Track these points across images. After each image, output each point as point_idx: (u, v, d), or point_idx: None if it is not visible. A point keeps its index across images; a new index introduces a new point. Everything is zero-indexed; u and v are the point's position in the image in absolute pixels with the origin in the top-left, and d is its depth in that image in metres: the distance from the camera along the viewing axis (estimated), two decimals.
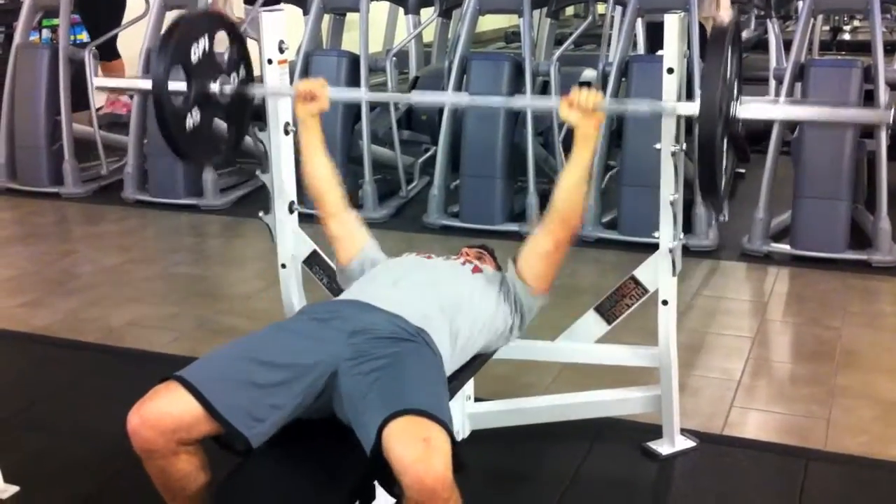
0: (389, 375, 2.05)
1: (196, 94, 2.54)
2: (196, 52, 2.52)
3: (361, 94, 2.39)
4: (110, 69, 7.55)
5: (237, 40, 2.72)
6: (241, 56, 2.70)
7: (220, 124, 2.75)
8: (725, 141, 2.29)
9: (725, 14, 5.24)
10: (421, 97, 2.68)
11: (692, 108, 2.34)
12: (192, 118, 2.55)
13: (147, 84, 2.54)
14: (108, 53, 7.26)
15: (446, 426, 1.91)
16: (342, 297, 2.45)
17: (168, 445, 1.97)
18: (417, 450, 1.83)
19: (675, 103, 2.52)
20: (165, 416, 1.97)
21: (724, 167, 2.28)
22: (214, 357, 2.15)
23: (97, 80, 2.54)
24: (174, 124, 2.52)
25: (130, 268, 4.75)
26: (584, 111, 2.43)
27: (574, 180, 2.50)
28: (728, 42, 2.24)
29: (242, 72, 2.71)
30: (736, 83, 2.37)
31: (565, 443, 2.94)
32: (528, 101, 2.44)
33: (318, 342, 2.16)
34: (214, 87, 2.59)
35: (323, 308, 2.36)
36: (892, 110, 2.19)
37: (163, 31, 2.53)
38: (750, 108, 2.33)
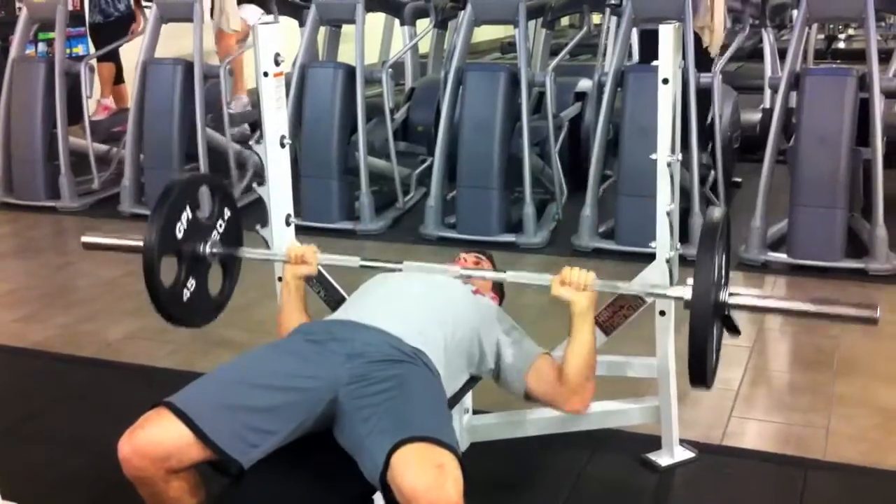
0: (394, 400, 2.04)
1: (188, 264, 2.57)
2: (182, 225, 2.53)
3: (356, 262, 2.29)
4: (114, 92, 7.71)
5: (220, 192, 2.74)
6: (223, 210, 2.72)
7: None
8: (716, 324, 2.32)
9: (720, 26, 5.25)
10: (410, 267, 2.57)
11: (684, 292, 2.36)
12: (188, 289, 2.57)
13: (138, 243, 2.56)
14: (116, 77, 7.45)
15: (456, 452, 1.91)
16: (337, 314, 2.43)
17: (159, 473, 1.96)
18: (430, 476, 1.83)
19: (666, 289, 2.52)
20: (157, 445, 1.95)
21: (714, 347, 2.31)
22: (207, 381, 2.13)
23: (85, 238, 2.55)
24: (169, 302, 2.53)
25: (127, 281, 4.73)
26: (576, 288, 2.42)
27: (581, 359, 2.42)
28: (719, 238, 2.29)
29: (227, 223, 2.72)
30: (724, 270, 2.39)
31: (564, 454, 2.93)
32: (518, 276, 2.44)
33: (315, 366, 2.14)
34: (204, 249, 2.62)
35: (318, 328, 2.34)
36: (878, 310, 2.22)
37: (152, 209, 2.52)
38: (739, 298, 2.35)
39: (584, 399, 2.46)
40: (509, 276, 2.66)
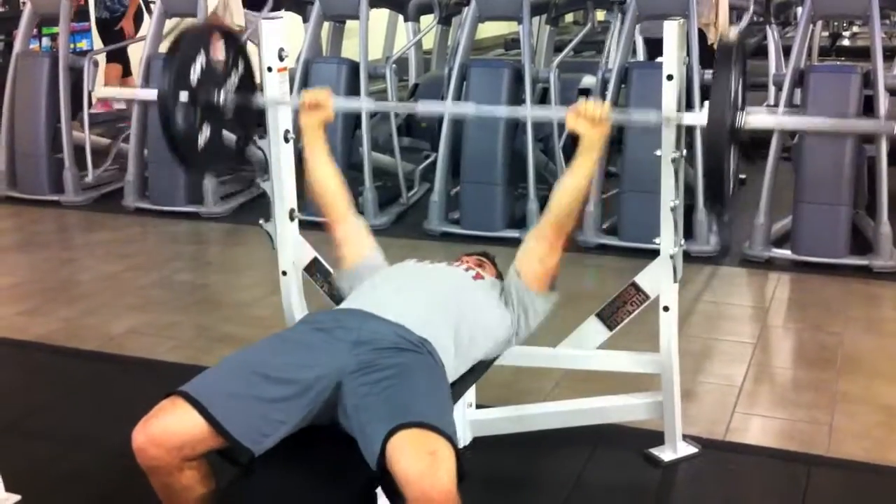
0: (395, 387, 2.04)
1: (202, 110, 2.55)
2: (196, 69, 2.51)
3: (364, 104, 2.32)
4: (123, 85, 7.76)
5: (234, 45, 2.72)
6: (237, 61, 2.69)
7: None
8: (732, 149, 2.30)
9: (724, 22, 5.25)
10: (426, 107, 2.62)
11: (700, 118, 2.34)
12: (202, 134, 2.56)
13: (151, 94, 2.55)
14: (124, 71, 7.52)
15: (451, 439, 1.91)
16: (344, 305, 2.44)
17: (173, 462, 1.96)
18: (423, 463, 1.83)
19: (681, 113, 2.52)
20: (172, 434, 1.95)
21: (730, 174, 2.30)
22: (219, 370, 2.13)
23: (100, 90, 2.54)
24: (184, 144, 2.52)
25: (131, 275, 4.74)
26: (591, 121, 2.44)
27: (575, 187, 2.51)
28: (735, 57, 2.27)
29: (241, 74, 2.70)
30: (741, 94, 2.39)
31: (567, 450, 2.93)
32: (534, 111, 2.41)
33: (322, 354, 2.14)
34: (219, 99, 2.60)
35: (325, 317, 2.34)
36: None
37: (165, 50, 2.51)
38: (755, 119, 2.34)
39: (574, 222, 2.56)
40: (521, 111, 2.58)
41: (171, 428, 1.96)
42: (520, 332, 2.56)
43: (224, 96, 2.60)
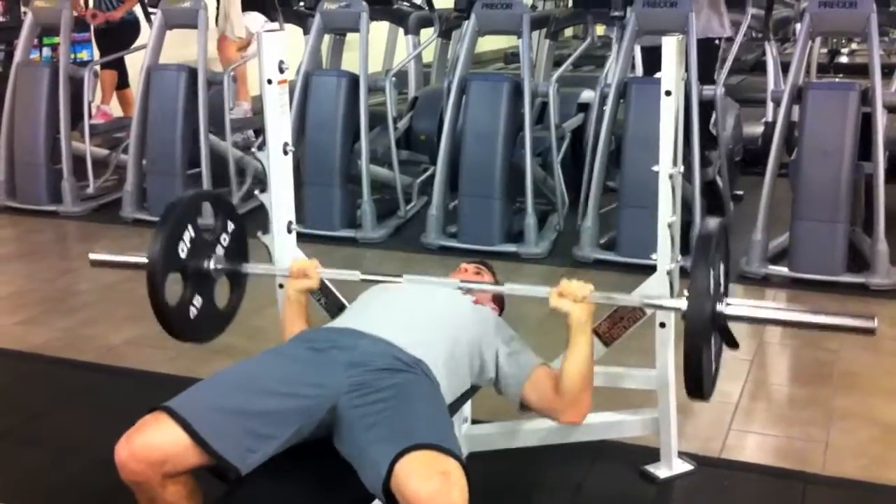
0: (396, 409, 2.04)
1: (193, 283, 2.54)
2: (185, 244, 2.52)
3: (357, 276, 2.27)
4: (120, 97, 7.76)
5: (223, 207, 2.72)
6: (226, 224, 2.69)
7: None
8: (713, 336, 2.27)
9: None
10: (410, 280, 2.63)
11: (681, 304, 2.30)
12: (195, 306, 2.55)
13: (141, 260, 2.56)
14: (121, 82, 7.53)
15: (461, 460, 1.91)
16: (337, 322, 2.44)
17: (156, 477, 1.96)
18: (435, 484, 1.82)
19: (663, 300, 2.50)
20: (154, 449, 1.95)
21: (711, 358, 2.28)
22: (205, 386, 2.13)
23: (93, 255, 2.59)
24: (176, 320, 2.50)
25: (129, 286, 4.73)
26: (574, 300, 2.38)
27: (578, 371, 2.39)
28: (714, 247, 2.24)
29: (231, 236, 2.69)
30: (723, 281, 2.36)
31: (562, 466, 2.93)
32: (516, 289, 2.45)
33: (315, 374, 2.14)
34: (208, 266, 2.59)
35: (319, 335, 2.34)
36: (875, 320, 2.19)
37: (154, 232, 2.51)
38: (737, 308, 2.30)
39: (581, 412, 2.45)
40: (507, 289, 2.65)
41: (153, 443, 1.95)
42: (489, 384, 2.51)
43: (214, 264, 2.60)
